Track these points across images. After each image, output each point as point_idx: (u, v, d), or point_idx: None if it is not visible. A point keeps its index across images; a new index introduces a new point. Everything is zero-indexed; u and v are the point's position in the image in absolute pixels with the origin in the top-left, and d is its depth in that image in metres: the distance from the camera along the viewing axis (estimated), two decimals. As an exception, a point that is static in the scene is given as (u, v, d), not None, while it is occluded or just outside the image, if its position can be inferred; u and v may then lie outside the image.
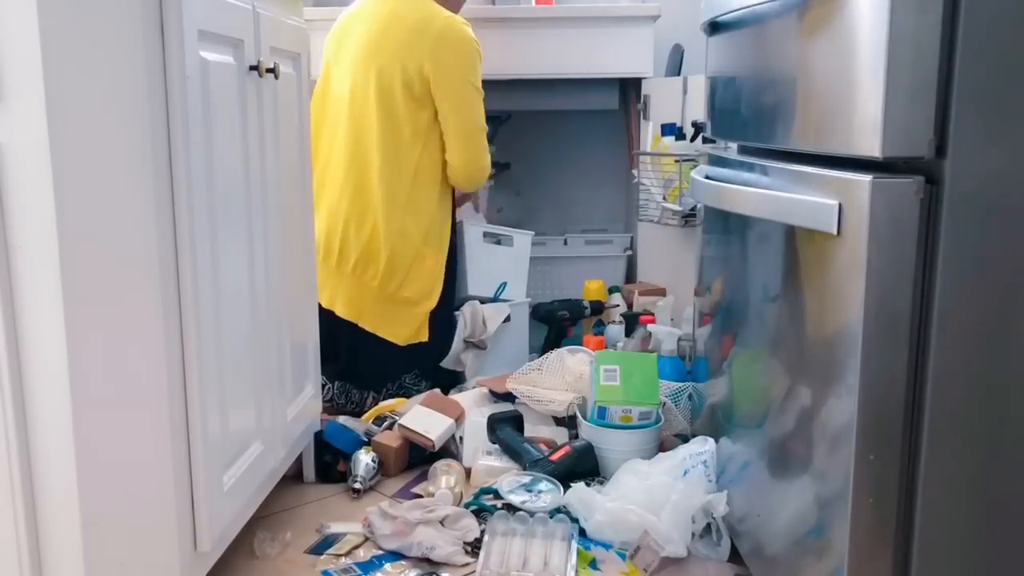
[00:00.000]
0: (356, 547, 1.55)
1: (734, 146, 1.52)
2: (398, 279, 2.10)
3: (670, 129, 2.34)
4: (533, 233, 2.47)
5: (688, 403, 1.95)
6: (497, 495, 1.69)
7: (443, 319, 2.21)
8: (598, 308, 2.51)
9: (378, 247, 2.08)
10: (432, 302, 2.15)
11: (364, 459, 1.79)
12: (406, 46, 2.02)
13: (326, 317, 2.01)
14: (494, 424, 1.88)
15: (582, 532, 1.57)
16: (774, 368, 1.22)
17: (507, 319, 2.31)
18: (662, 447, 1.82)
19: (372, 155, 2.08)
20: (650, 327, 2.17)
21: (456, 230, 2.26)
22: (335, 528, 1.61)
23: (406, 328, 2.14)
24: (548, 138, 2.97)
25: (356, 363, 2.15)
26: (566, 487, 1.68)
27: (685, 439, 1.78)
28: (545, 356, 2.09)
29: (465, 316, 2.27)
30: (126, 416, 1.05)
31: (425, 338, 2.16)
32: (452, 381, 2.26)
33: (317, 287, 1.83)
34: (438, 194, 2.14)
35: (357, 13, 2.17)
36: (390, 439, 1.87)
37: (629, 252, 2.76)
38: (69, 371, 0.92)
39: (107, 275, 1.00)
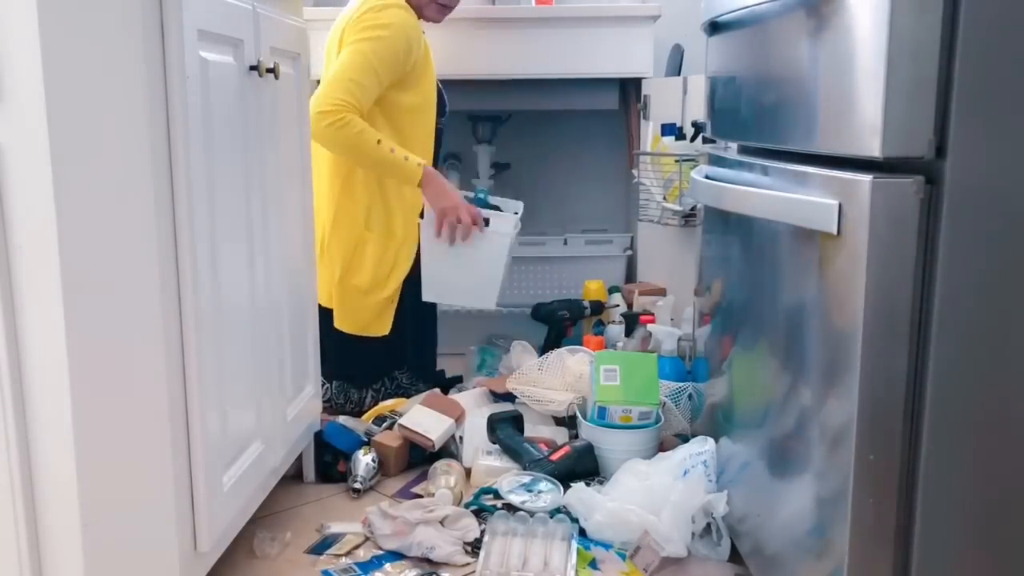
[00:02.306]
0: (356, 547, 1.55)
1: (734, 146, 1.52)
2: (343, 265, 2.10)
3: (670, 129, 2.34)
4: (518, 214, 2.21)
5: (688, 403, 1.95)
6: (497, 495, 1.69)
7: (413, 314, 2.20)
8: (598, 308, 2.51)
9: (330, 234, 2.10)
10: (385, 292, 2.13)
11: (364, 459, 1.79)
12: (343, 31, 2.04)
13: None
14: (494, 424, 1.88)
15: (582, 532, 1.57)
16: (774, 368, 1.22)
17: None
18: (662, 447, 1.82)
19: None
20: (650, 327, 2.17)
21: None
22: (335, 528, 1.61)
23: (356, 317, 2.13)
24: (548, 138, 2.96)
25: (342, 359, 2.15)
26: (566, 487, 1.68)
27: (685, 439, 1.78)
28: (545, 356, 2.09)
29: None
30: (126, 416, 1.05)
31: (385, 331, 2.14)
32: (450, 381, 2.26)
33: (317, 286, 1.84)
34: (377, 178, 2.10)
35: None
36: (390, 439, 1.87)
37: (629, 252, 2.76)
38: (69, 370, 0.92)
39: (107, 275, 1.00)
